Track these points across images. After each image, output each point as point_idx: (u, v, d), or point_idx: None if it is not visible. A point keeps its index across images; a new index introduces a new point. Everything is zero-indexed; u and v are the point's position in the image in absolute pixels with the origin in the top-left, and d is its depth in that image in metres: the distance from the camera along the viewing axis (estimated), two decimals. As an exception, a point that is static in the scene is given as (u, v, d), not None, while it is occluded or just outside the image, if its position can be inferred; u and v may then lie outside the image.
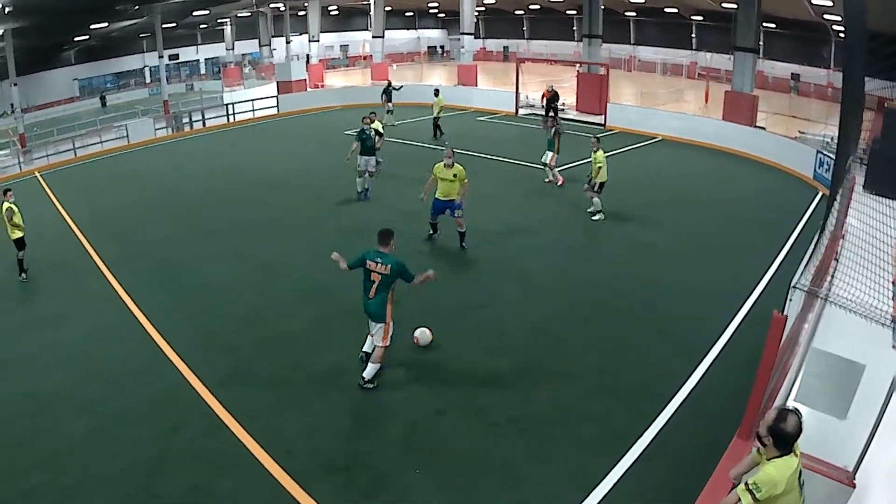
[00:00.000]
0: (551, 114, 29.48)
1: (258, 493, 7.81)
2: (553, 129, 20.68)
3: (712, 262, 14.43)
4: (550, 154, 20.61)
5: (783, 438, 4.89)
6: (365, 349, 10.28)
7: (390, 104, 33.23)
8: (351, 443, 8.72)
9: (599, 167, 16.99)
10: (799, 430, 4.90)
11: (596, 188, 17.28)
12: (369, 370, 9.75)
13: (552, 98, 32.05)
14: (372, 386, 9.76)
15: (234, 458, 8.47)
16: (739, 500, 4.95)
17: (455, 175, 15.19)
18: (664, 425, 8.64)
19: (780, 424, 4.89)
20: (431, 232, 16.11)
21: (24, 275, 15.18)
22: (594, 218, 17.35)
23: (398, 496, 7.67)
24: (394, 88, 33.65)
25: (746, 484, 4.92)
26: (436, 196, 15.46)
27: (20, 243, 15.11)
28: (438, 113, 29.23)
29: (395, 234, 9.69)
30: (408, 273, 9.46)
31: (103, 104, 63.49)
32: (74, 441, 9.03)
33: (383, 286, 9.42)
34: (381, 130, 22.86)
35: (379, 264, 9.32)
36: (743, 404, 7.27)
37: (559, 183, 20.59)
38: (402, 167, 23.37)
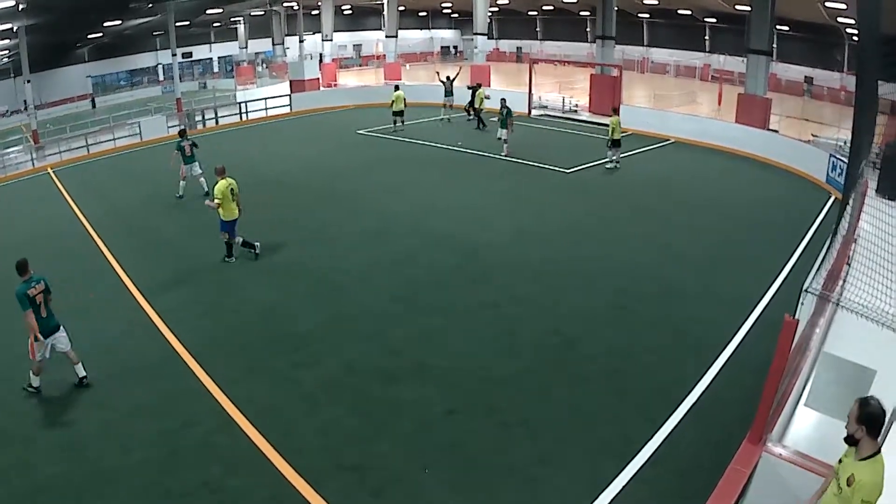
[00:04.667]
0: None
1: (267, 490, 7.87)
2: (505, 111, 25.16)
3: (725, 264, 14.40)
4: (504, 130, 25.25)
5: (876, 421, 4.82)
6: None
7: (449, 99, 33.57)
8: (361, 442, 8.72)
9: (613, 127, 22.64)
10: (883, 410, 4.83)
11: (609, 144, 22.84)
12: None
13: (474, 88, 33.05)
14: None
15: (244, 455, 8.54)
16: None
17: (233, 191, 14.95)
18: (674, 429, 8.64)
19: (867, 410, 4.83)
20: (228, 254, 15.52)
21: None
22: (608, 167, 22.85)
23: (407, 495, 7.70)
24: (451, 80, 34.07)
25: None
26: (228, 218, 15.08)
27: None
28: (480, 104, 31.62)
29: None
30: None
31: (93, 106, 63.62)
32: (87, 435, 9.14)
33: (46, 300, 10.06)
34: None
35: (35, 286, 9.92)
36: (753, 408, 7.15)
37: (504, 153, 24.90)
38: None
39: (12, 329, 12.77)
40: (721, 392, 9.50)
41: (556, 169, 22.76)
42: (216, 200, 14.57)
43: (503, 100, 25.76)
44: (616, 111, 23.34)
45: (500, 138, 25.31)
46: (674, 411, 8.98)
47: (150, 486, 8.04)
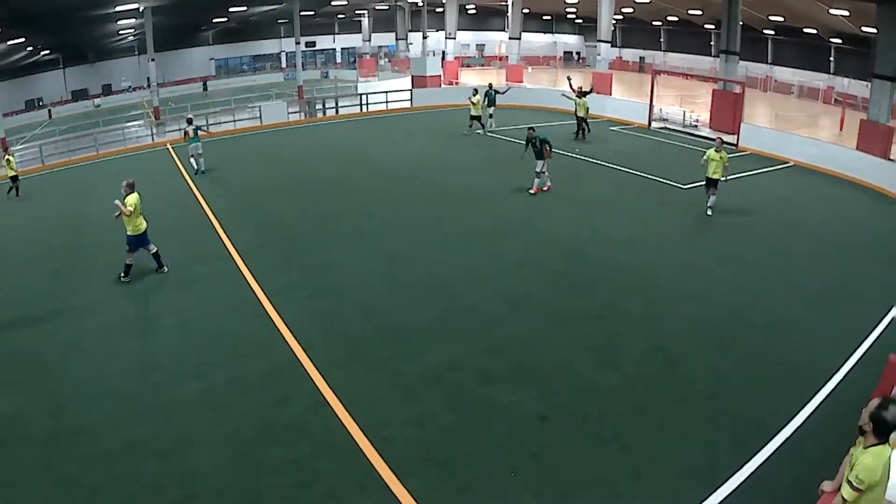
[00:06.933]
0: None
1: (353, 475, 8.14)
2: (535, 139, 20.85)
3: (835, 297, 13.78)
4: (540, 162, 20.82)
5: (883, 425, 5.31)
6: None
7: (491, 109, 33.21)
8: (451, 438, 8.91)
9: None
10: None
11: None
12: None
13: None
14: None
15: (334, 438, 8.89)
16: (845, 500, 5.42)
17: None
18: (765, 460, 8.40)
19: (881, 412, 5.31)
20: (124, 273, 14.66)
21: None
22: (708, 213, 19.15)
23: (491, 496, 7.81)
24: (497, 92, 33.80)
25: (850, 482, 5.35)
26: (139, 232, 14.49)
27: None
28: (585, 114, 30.24)
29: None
30: None
31: (204, 89, 66.00)
32: (182, 402, 9.80)
33: None
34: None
35: None
36: (845, 449, 7.21)
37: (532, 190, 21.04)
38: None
39: (135, 290, 14.01)
40: (817, 428, 9.15)
41: (672, 184, 22.60)
42: (129, 208, 13.90)
43: (531, 128, 21.13)
44: (722, 143, 19.42)
45: (538, 171, 20.96)
46: (767, 443, 8.72)
47: (238, 456, 8.52)
